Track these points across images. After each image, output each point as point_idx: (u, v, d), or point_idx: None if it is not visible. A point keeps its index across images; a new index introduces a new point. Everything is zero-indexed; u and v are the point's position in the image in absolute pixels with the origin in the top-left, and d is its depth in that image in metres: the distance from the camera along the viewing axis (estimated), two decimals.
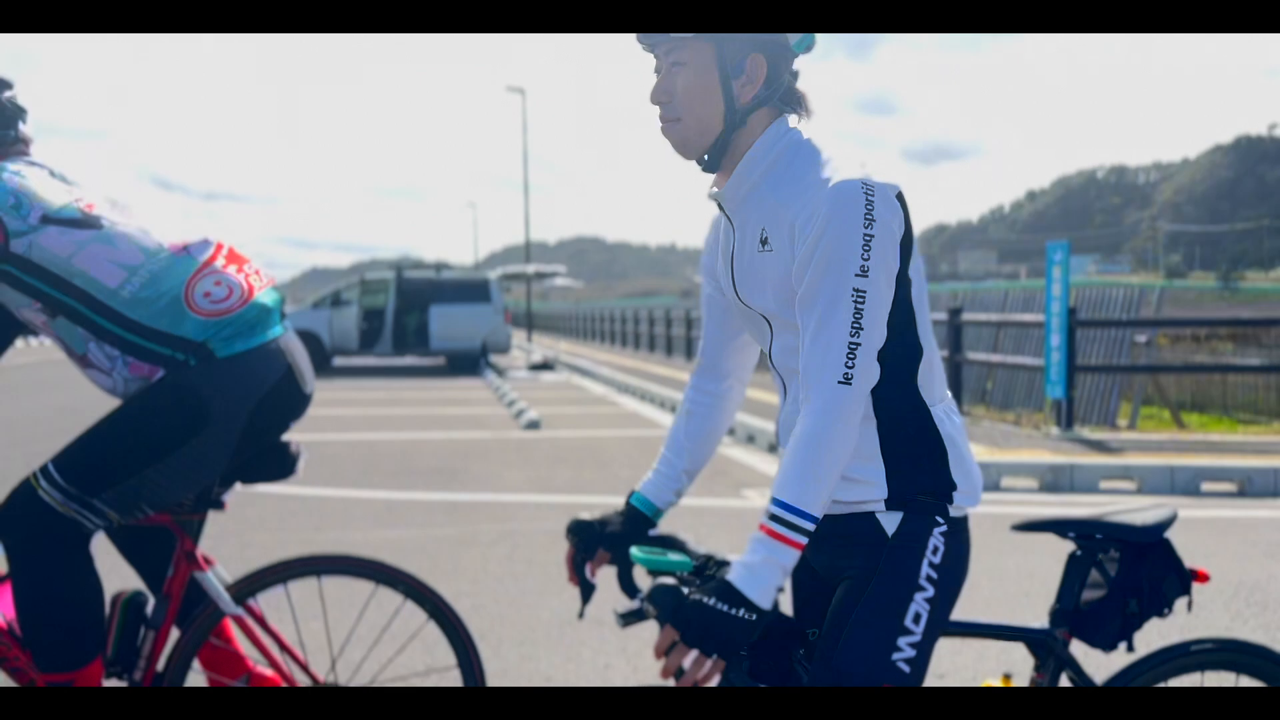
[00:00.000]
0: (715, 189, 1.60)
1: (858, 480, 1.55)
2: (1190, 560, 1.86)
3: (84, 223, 2.17)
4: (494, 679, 2.99)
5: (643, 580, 1.70)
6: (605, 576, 1.83)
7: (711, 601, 1.43)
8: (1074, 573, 1.81)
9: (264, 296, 2.27)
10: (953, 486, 1.56)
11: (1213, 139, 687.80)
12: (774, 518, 1.45)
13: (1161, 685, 1.78)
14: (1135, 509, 1.84)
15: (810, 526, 1.45)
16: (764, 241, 1.54)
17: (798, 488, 1.45)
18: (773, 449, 8.31)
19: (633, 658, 3.75)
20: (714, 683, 1.50)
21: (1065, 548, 1.84)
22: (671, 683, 1.47)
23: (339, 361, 21.29)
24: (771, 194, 1.53)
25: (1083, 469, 6.95)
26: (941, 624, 1.56)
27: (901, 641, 1.50)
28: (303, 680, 2.48)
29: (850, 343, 1.45)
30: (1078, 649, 1.79)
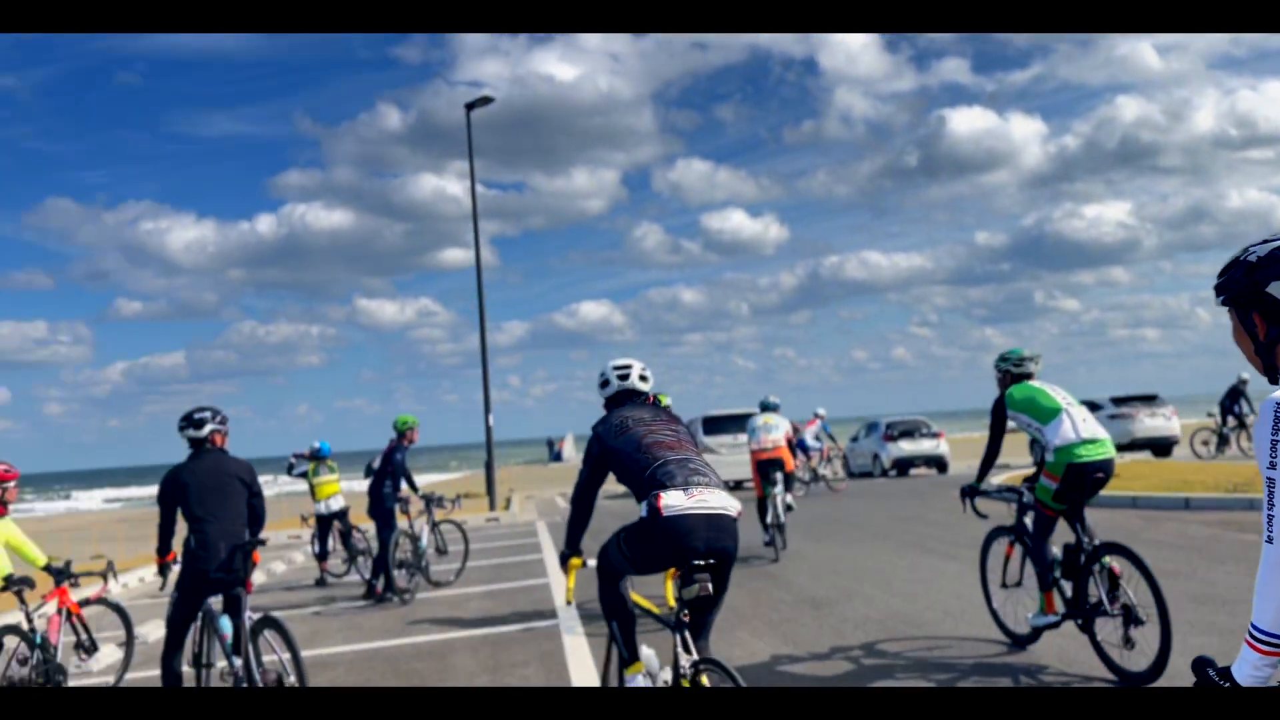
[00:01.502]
0: None
1: None
2: None
3: None
4: None
5: None
6: None
7: (1212, 674, 2.13)
8: None
9: None
10: None
11: None
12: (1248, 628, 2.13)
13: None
14: None
15: (1261, 636, 2.08)
16: None
17: (1254, 606, 2.11)
18: None
19: None
20: None
21: None
22: None
23: None
24: None
25: None
26: None
27: None
28: None
29: (1268, 514, 2.07)
30: None
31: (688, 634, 4.22)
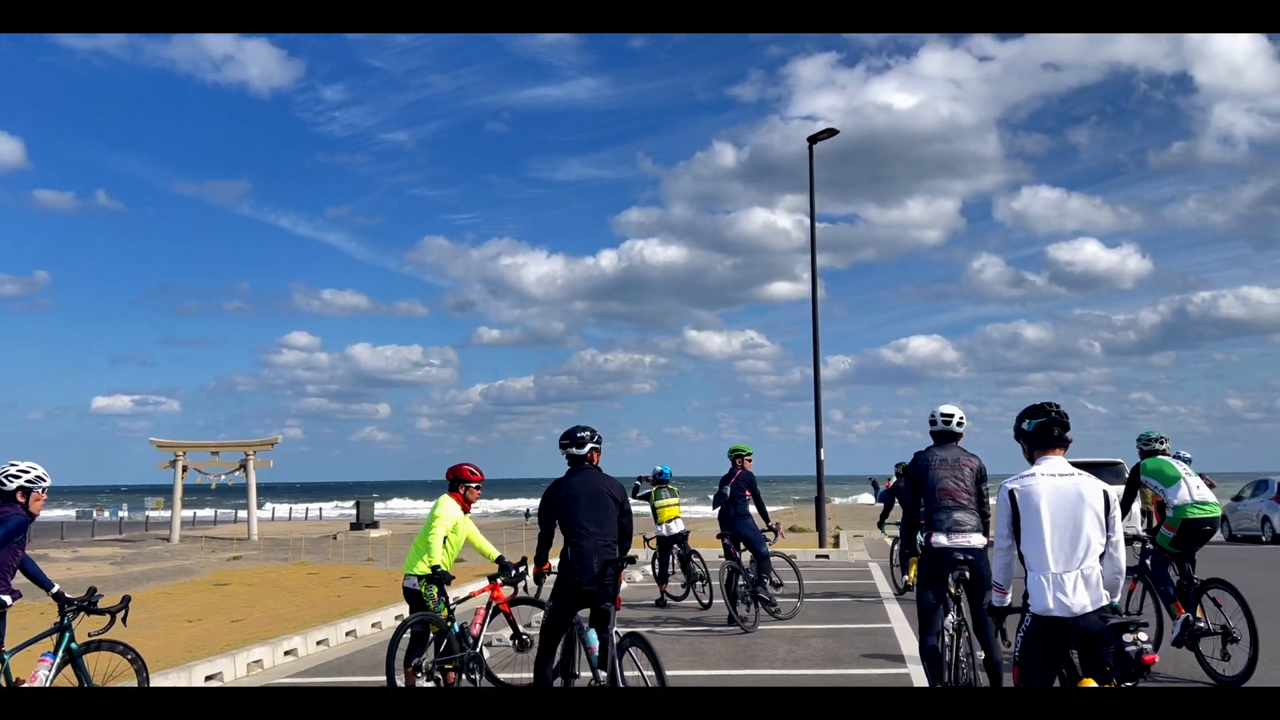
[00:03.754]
0: None
1: None
2: None
3: None
4: None
5: None
6: None
7: (989, 605, 5.05)
8: None
9: None
10: (1028, 604, 4.24)
11: None
12: None
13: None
14: None
15: (995, 583, 4.71)
16: None
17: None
18: None
19: None
20: None
21: None
22: None
23: None
24: None
25: None
26: (1026, 654, 4.28)
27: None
28: None
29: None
30: None
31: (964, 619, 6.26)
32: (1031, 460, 4.48)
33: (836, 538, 24.93)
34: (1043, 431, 4.44)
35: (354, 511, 48.31)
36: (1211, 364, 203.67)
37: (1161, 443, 8.44)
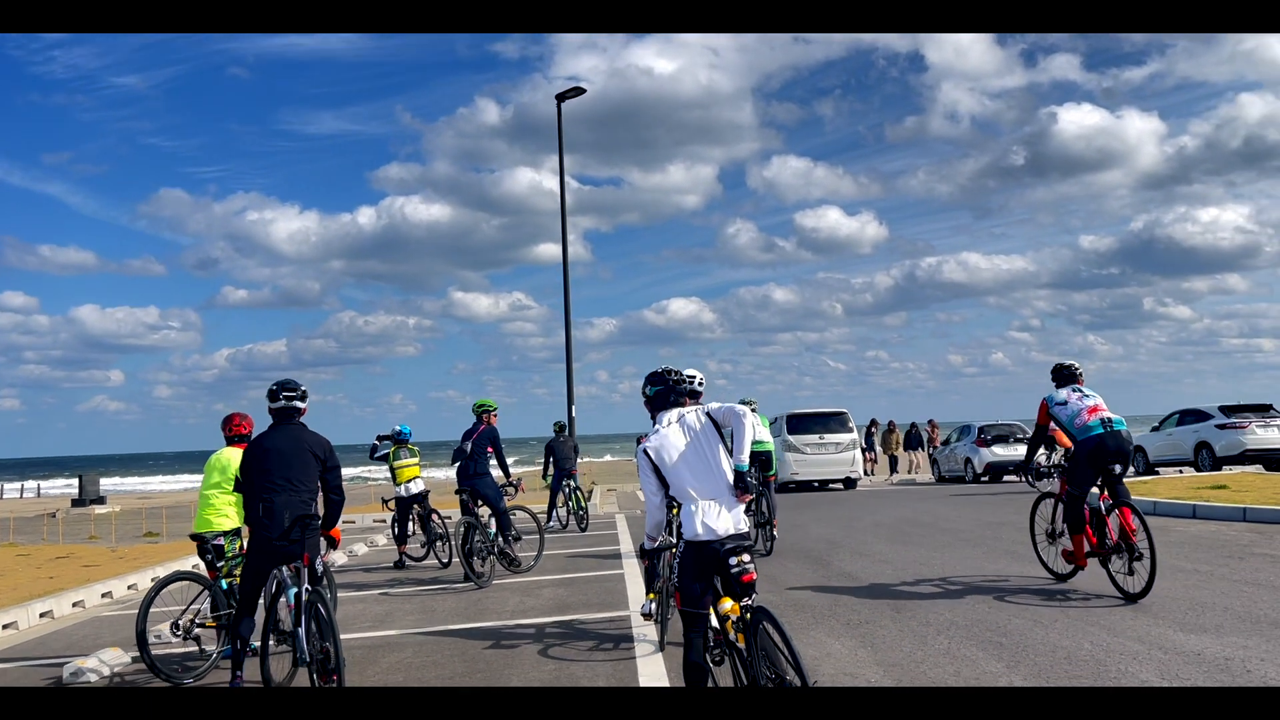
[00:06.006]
0: None
1: None
2: None
3: None
4: None
5: None
6: None
7: (641, 548, 5.91)
8: None
9: None
10: (682, 535, 4.70)
11: None
12: None
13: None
14: None
15: (647, 537, 5.21)
16: None
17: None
18: None
19: None
20: None
21: None
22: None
23: None
24: None
25: None
26: (683, 577, 4.68)
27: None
28: None
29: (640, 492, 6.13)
30: None
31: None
32: (654, 420, 4.98)
33: (590, 492, 25.45)
34: (661, 397, 4.99)
35: (77, 487, 44.26)
36: (936, 324, 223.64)
37: (751, 404, 12.08)
